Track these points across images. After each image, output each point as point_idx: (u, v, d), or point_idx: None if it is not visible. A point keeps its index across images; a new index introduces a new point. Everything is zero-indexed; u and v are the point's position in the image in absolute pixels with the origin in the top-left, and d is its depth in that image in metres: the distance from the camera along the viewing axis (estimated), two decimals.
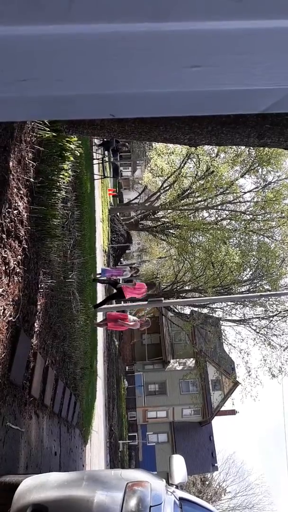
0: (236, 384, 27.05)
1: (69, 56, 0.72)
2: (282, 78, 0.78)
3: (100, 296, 13.88)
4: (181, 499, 3.50)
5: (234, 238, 18.91)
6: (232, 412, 31.62)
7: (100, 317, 12.05)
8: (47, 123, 4.04)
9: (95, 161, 13.20)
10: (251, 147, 16.00)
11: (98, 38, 0.69)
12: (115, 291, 10.16)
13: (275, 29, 0.67)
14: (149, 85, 0.78)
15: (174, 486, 3.76)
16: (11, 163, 3.35)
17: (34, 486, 2.61)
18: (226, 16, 0.61)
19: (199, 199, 19.01)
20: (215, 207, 18.95)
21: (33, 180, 3.82)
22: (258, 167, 17.67)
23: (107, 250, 17.62)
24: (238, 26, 0.66)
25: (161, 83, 0.77)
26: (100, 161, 13.82)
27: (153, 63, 0.73)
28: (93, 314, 10.01)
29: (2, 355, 3.12)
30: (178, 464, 4.09)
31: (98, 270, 11.77)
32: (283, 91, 0.82)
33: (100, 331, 12.44)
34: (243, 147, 16.54)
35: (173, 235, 20.30)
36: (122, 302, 11.24)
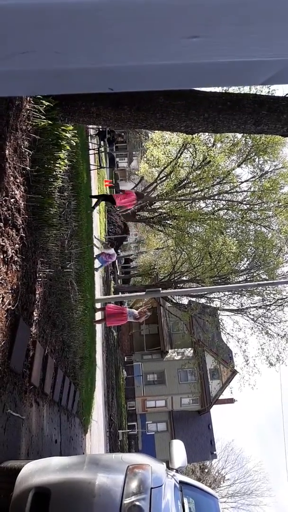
0: (234, 373, 27.32)
1: (66, 27, 0.71)
2: (280, 49, 0.78)
3: (98, 287, 13.90)
4: (181, 482, 3.56)
5: (231, 228, 18.92)
6: (231, 401, 31.95)
7: (98, 313, 12.07)
8: (42, 111, 4.00)
9: (91, 151, 13.11)
10: (248, 135, 15.94)
11: (95, 8, 0.68)
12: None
13: None
14: (148, 57, 0.77)
15: (174, 470, 3.82)
16: (7, 151, 3.33)
17: (36, 470, 2.64)
18: None
19: (196, 189, 18.97)
20: (212, 197, 18.92)
21: (29, 168, 3.79)
22: (255, 157, 17.61)
23: (104, 241, 17.59)
24: None
25: (160, 55, 0.77)
26: (96, 151, 13.72)
27: (152, 34, 0.72)
28: (91, 307, 10.03)
29: (2, 343, 3.14)
30: (178, 449, 4.15)
31: (96, 264, 11.93)
32: (282, 63, 0.82)
33: None
34: (239, 136, 16.48)
35: (170, 226, 20.28)
36: (120, 293, 11.42)
